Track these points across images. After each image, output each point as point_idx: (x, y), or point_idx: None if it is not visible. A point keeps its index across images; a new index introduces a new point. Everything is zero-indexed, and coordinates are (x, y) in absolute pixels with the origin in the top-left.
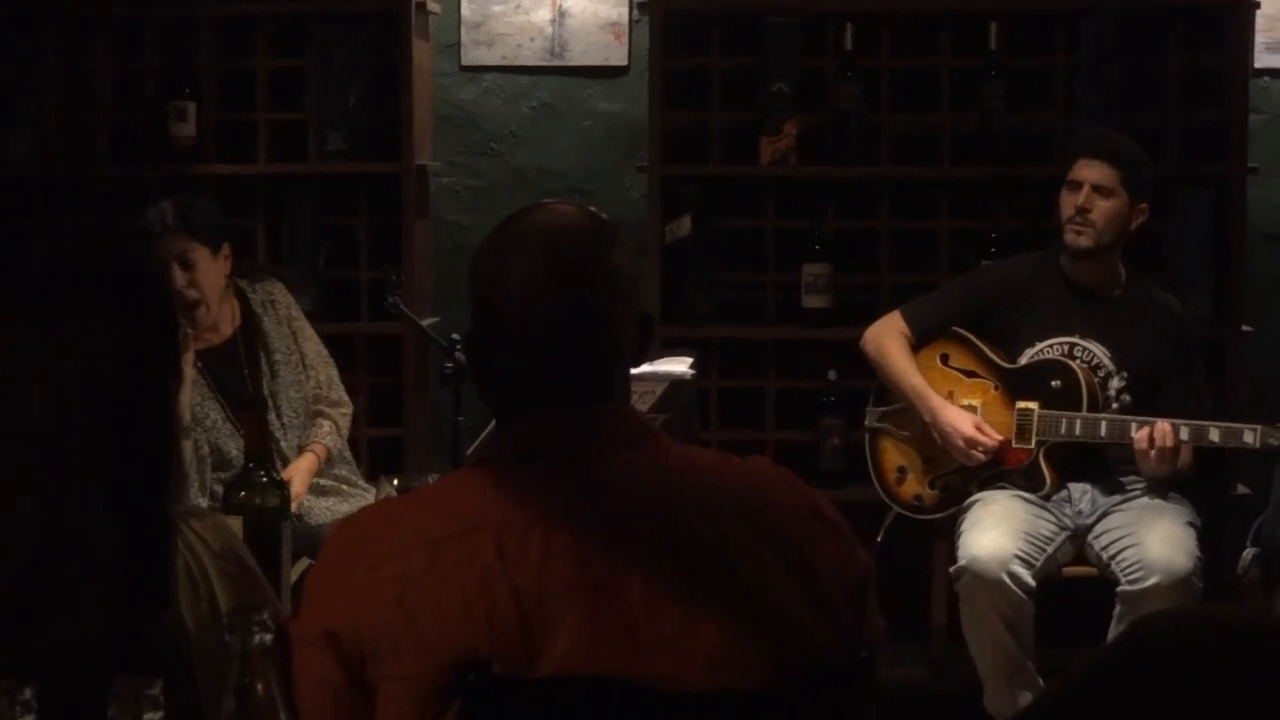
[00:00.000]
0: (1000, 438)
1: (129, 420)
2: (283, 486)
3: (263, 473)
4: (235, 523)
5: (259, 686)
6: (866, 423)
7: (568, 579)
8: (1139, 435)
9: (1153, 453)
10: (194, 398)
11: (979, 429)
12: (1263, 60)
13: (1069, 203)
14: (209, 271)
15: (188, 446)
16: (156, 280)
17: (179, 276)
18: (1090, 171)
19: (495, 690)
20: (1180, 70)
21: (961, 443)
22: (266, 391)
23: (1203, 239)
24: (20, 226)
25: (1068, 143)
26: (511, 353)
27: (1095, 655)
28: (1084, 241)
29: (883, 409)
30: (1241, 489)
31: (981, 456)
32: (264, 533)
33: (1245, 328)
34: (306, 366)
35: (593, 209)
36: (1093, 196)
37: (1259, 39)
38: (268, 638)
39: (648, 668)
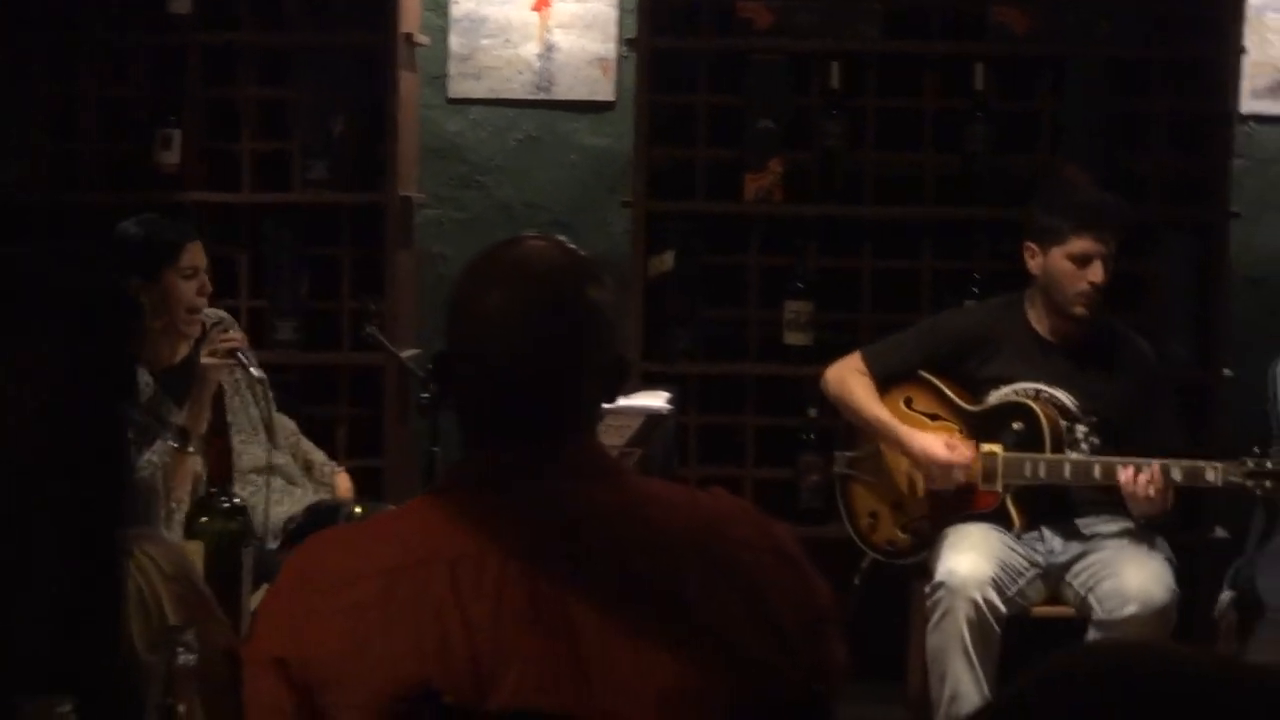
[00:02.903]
0: (971, 454)
1: (77, 444)
2: (243, 512)
3: (224, 498)
4: (196, 548)
5: (181, 708)
6: (835, 468)
7: (521, 613)
8: (1124, 476)
9: (1139, 495)
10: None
11: (950, 447)
12: (1249, 106)
13: (1077, 276)
14: (209, 291)
15: (195, 460)
16: (106, 304)
17: (206, 285)
18: (1102, 245)
19: None
20: (1165, 114)
21: (936, 468)
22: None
23: (1185, 283)
24: None
25: (1062, 210)
26: (478, 382)
27: (1011, 688)
28: (1094, 313)
29: (851, 454)
30: (1219, 532)
31: (960, 477)
32: (225, 558)
33: (1226, 372)
34: (253, 383)
35: (571, 246)
36: (1105, 267)
37: (1245, 84)
38: (191, 659)
39: (597, 703)
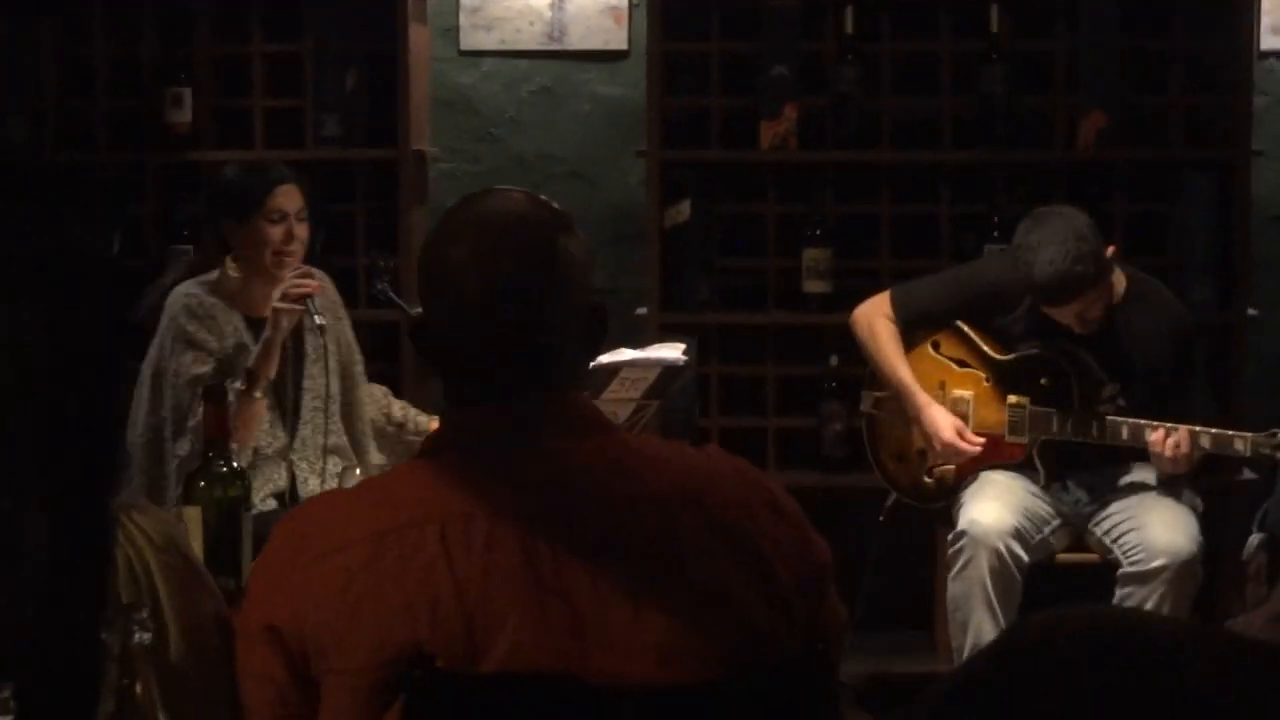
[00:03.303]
0: (981, 443)
1: (63, 410)
2: (242, 476)
3: (222, 462)
4: (194, 513)
5: (137, 688)
6: (862, 407)
7: (512, 573)
8: (1154, 438)
9: (1167, 455)
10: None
11: (960, 434)
12: (1268, 42)
13: (1060, 315)
14: (304, 235)
15: (260, 405)
16: (96, 267)
17: (296, 228)
18: (1068, 311)
19: (440, 686)
20: (1183, 52)
21: (941, 446)
22: (290, 378)
23: (1207, 224)
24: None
25: (1022, 276)
26: (453, 342)
27: (977, 654)
28: (1091, 329)
29: (878, 394)
30: (1247, 474)
31: (963, 457)
32: (224, 523)
33: (1250, 311)
34: (344, 358)
35: (543, 198)
36: (1085, 312)
37: (1264, 20)
38: (146, 637)
39: (594, 662)
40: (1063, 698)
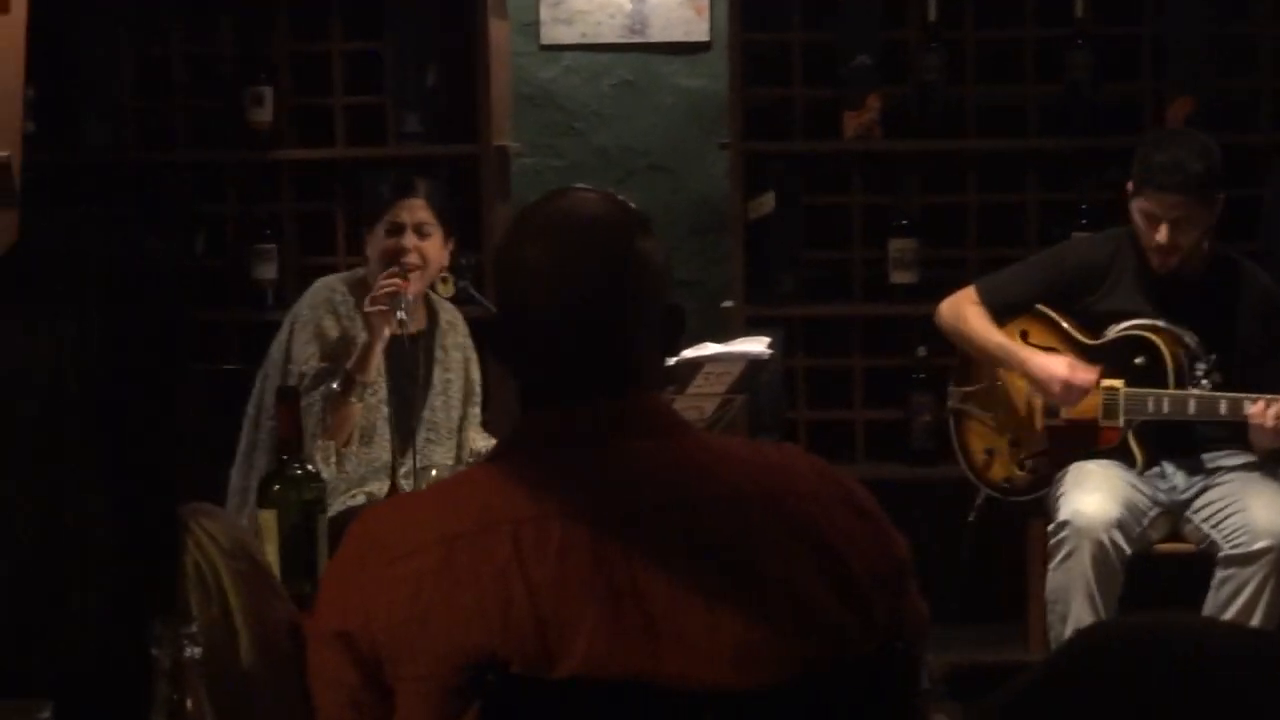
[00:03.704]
0: (1095, 372)
1: (128, 418)
2: (317, 479)
3: (297, 465)
4: (269, 517)
5: (189, 703)
6: (950, 404)
7: (585, 576)
8: (1255, 409)
9: (1268, 426)
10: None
11: (1072, 367)
12: None
13: (1149, 232)
14: (436, 251)
15: (357, 408)
16: (163, 272)
17: (410, 241)
18: (1165, 207)
19: (514, 691)
20: (1271, 35)
21: (1059, 386)
22: (425, 403)
23: None
24: (32, 216)
25: (1140, 162)
26: (527, 342)
27: (1044, 661)
28: (1172, 263)
29: (965, 389)
30: None
31: (1081, 392)
32: (299, 527)
33: None
34: (464, 398)
35: (620, 198)
36: (1173, 230)
37: None
38: (197, 651)
39: (670, 665)
40: (1121, 703)
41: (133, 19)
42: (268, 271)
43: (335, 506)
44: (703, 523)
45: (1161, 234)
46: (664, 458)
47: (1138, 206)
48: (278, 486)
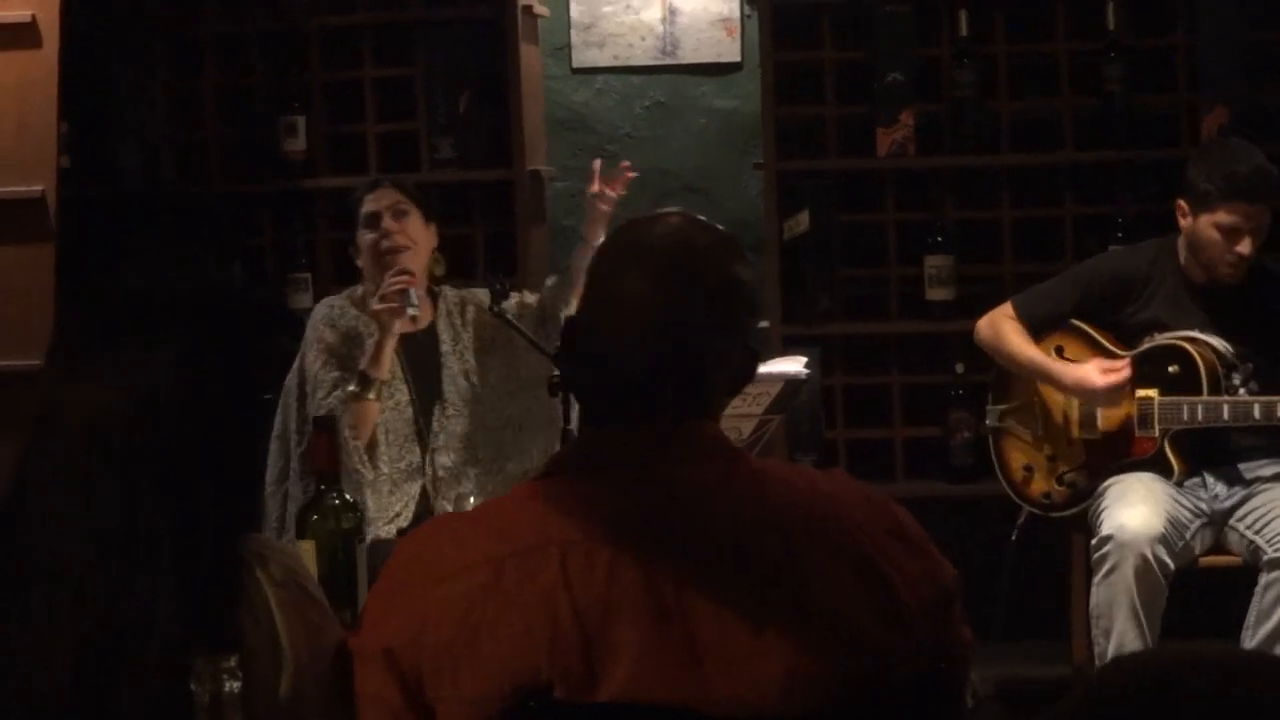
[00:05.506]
0: (1125, 364)
1: (198, 457)
2: (354, 508)
3: (334, 495)
4: (308, 546)
5: None
6: (987, 422)
7: (633, 599)
8: None
9: None
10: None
11: (1103, 370)
12: None
13: (1223, 245)
14: (420, 231)
15: (375, 406)
16: (241, 310)
17: (390, 224)
18: (1253, 217)
19: (557, 716)
20: None
21: (1095, 393)
22: (445, 392)
23: None
24: (99, 252)
25: (1213, 177)
26: (606, 364)
27: (1068, 698)
28: (1241, 274)
29: (1002, 407)
30: None
31: (1119, 387)
32: (337, 556)
33: None
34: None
35: (707, 221)
36: (1254, 240)
37: None
38: (236, 686)
39: (715, 691)
40: None
41: (165, 51)
42: (303, 301)
43: (374, 511)
44: (752, 549)
45: (1244, 245)
46: (713, 482)
47: (1212, 221)
48: (316, 517)
